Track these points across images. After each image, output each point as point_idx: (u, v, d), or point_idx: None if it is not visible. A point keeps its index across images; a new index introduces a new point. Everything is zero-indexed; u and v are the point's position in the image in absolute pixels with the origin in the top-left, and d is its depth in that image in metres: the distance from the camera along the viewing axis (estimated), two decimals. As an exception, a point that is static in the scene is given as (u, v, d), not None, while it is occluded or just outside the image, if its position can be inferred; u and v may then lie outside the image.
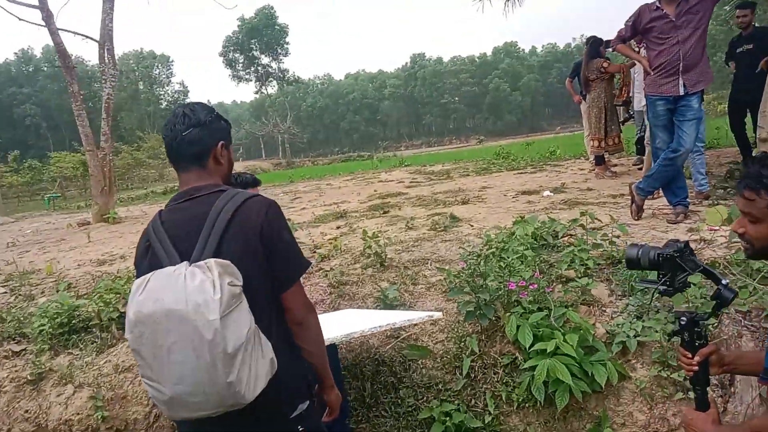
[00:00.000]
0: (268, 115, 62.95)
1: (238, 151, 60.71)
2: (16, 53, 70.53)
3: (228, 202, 1.55)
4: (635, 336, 2.84)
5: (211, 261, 1.42)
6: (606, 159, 7.92)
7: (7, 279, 5.78)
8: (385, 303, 3.63)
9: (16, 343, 3.64)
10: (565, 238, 4.10)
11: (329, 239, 5.51)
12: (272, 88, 65.62)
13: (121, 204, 17.76)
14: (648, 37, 4.30)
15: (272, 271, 1.58)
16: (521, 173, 9.57)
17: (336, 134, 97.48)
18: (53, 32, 10.36)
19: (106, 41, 11.00)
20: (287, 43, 61.17)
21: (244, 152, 62.23)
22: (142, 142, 42.70)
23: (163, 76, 74.53)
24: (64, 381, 3.15)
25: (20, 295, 4.95)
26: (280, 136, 59.77)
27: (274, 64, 61.58)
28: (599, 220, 4.08)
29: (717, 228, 3.83)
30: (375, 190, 9.80)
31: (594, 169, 7.90)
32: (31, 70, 69.70)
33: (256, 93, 65.78)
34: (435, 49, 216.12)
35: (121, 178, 33.39)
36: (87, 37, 11.22)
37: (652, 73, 4.27)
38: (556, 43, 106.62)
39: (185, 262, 1.45)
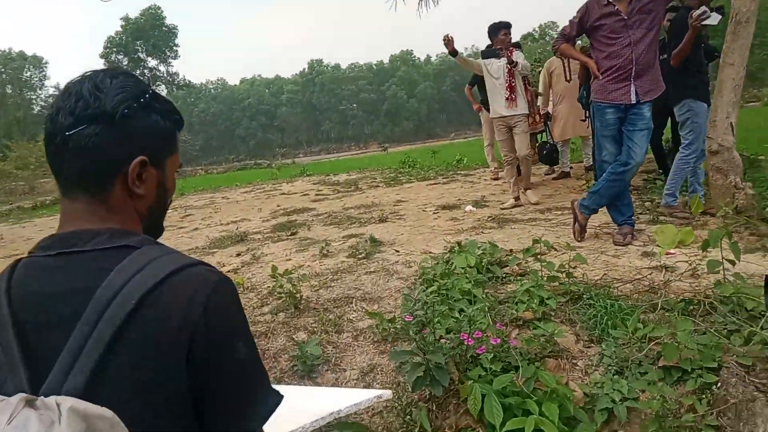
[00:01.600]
0: (157, 121, 58.85)
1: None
2: None
3: (134, 275, 0.77)
4: (622, 400, 2.31)
5: (68, 404, 0.67)
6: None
7: None
8: (305, 364, 2.87)
9: None
10: (513, 267, 3.56)
11: (227, 272, 4.63)
12: (161, 93, 61.73)
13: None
14: (596, 36, 3.87)
15: (203, 426, 0.81)
16: (433, 184, 9.13)
17: (231, 141, 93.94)
18: None
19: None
20: (176, 45, 57.86)
21: (131, 161, 57.49)
22: (9, 151, 38.15)
23: (36, 79, 67.68)
24: None
25: None
26: (171, 143, 56.32)
27: (162, 67, 58.00)
28: (555, 249, 3.58)
29: (674, 252, 3.45)
30: (278, 205, 8.94)
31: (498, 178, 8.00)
32: None
33: (143, 97, 61.57)
34: (333, 56, 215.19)
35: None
36: None
37: (601, 78, 3.84)
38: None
39: (19, 396, 0.68)
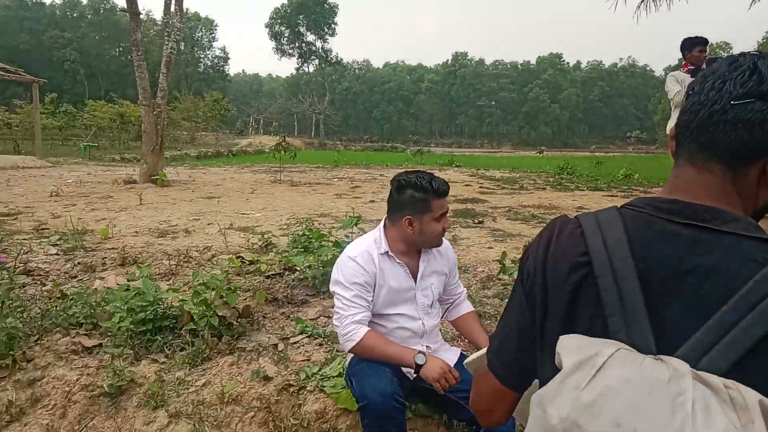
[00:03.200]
0: (305, 93, 62.17)
1: (272, 124, 60.19)
2: (62, -3, 70.61)
3: None
4: None
5: (751, 396, 0.63)
6: None
7: (60, 237, 5.10)
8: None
9: (86, 335, 2.94)
10: None
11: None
12: (312, 67, 64.93)
13: (159, 163, 17.18)
14: None
15: None
16: (610, 196, 8.72)
17: (368, 122, 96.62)
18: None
19: (175, -9, 10.31)
20: (335, 24, 60.36)
21: (277, 127, 61.52)
22: (177, 102, 42.27)
23: (205, 39, 74.10)
24: (153, 403, 2.42)
25: (78, 263, 4.25)
26: (315, 116, 59.14)
27: (318, 43, 60.85)
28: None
29: None
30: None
31: None
32: (75, 15, 69.68)
33: (297, 69, 65.18)
34: (478, 50, 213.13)
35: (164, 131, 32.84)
36: (157, -16, 10.50)
37: None
38: (601, 61, 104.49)
39: (686, 369, 0.66)
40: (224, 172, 14.10)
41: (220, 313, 2.93)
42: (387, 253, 2.13)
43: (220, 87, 66.00)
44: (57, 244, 4.92)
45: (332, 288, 2.14)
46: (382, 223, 2.20)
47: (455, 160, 18.39)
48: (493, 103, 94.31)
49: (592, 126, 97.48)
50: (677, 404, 0.62)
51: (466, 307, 2.44)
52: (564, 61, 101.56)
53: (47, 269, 4.15)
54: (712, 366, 0.69)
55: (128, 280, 3.59)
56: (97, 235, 5.31)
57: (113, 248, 4.81)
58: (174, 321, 2.99)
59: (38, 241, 5.07)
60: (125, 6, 9.97)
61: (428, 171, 2.17)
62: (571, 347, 0.72)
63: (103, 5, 66.78)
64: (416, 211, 2.07)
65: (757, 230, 0.78)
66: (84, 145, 21.95)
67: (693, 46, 5.69)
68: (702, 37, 5.75)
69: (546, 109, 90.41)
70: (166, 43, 10.41)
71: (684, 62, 5.86)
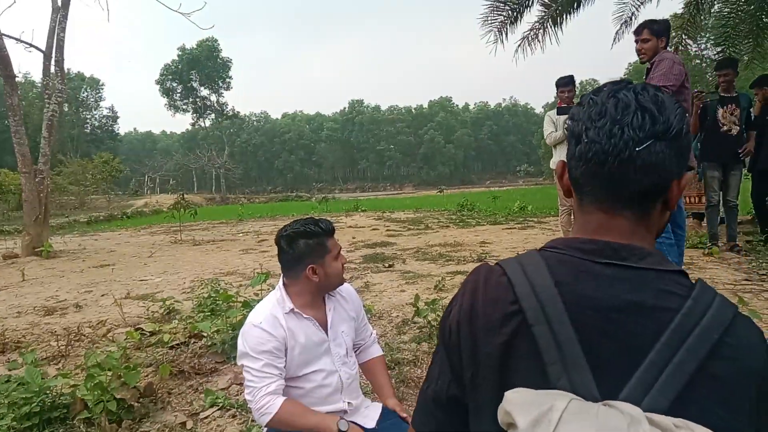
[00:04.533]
0: (202, 148, 60.68)
1: (169, 182, 57.86)
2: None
3: (707, 309, 0.76)
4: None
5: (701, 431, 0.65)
6: None
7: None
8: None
9: (-42, 440, 2.55)
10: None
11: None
12: (209, 121, 63.75)
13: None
14: None
15: None
16: (508, 228, 9.14)
17: (270, 172, 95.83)
18: (-6, 36, 9.04)
19: (55, 51, 9.79)
20: (230, 78, 60.00)
21: (175, 184, 59.17)
22: (63, 166, 39.63)
23: (92, 99, 70.70)
24: None
25: (-52, 355, 3.75)
26: (215, 170, 57.70)
27: (213, 97, 60.03)
28: None
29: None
30: (353, 237, 9.03)
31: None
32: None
33: (193, 125, 63.67)
34: (373, 97, 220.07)
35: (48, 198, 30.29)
36: (32, 46, 9.92)
37: None
38: (487, 102, 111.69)
39: (640, 414, 0.66)
40: (118, 236, 13.27)
41: (119, 396, 2.68)
42: (293, 310, 2.06)
43: (110, 147, 62.78)
44: None
45: (240, 361, 2.01)
46: (281, 282, 2.13)
47: (360, 204, 18.58)
48: (392, 146, 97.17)
49: (485, 163, 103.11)
50: None
51: (375, 350, 2.38)
52: (453, 103, 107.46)
53: None
54: (654, 405, 0.69)
55: (9, 369, 3.21)
56: (-30, 320, 4.74)
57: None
58: (65, 411, 2.69)
59: None
60: (-4, 69, 9.29)
61: (311, 217, 2.11)
62: (521, 403, 0.69)
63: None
64: (316, 256, 2.01)
65: (668, 263, 0.81)
66: (-48, 220, 19.76)
67: (560, 85, 6.11)
68: (568, 77, 6.16)
69: (442, 150, 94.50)
70: (47, 106, 9.79)
71: (558, 100, 6.32)
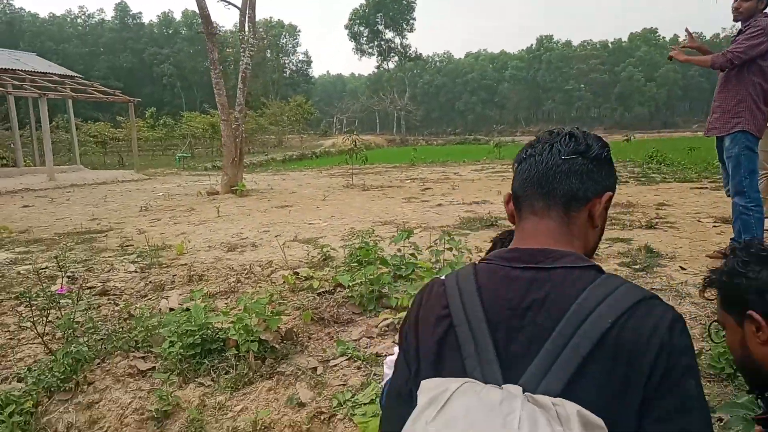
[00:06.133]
0: (386, 90, 62.66)
1: (354, 123, 61.27)
2: (158, 16, 76.16)
3: (606, 298, 0.86)
4: None
5: (571, 408, 0.77)
6: None
7: (139, 255, 5.49)
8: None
9: (142, 358, 3.15)
10: None
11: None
12: (392, 63, 65.30)
13: (245, 170, 18.00)
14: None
15: None
16: (699, 188, 8.05)
17: (451, 114, 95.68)
18: (199, -4, 10.19)
19: (247, 8, 10.71)
20: (413, 19, 60.33)
21: (359, 125, 62.57)
22: (265, 108, 44.11)
23: (290, 45, 76.68)
24: (192, 429, 2.56)
25: (150, 282, 4.55)
26: (396, 112, 59.46)
27: (397, 39, 61.10)
28: None
29: None
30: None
31: None
32: (170, 32, 74.78)
33: (377, 67, 65.83)
34: (565, 32, 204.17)
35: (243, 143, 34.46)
36: (230, 3, 10.99)
37: None
38: (702, 33, 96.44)
39: (518, 391, 0.80)
40: (303, 177, 14.54)
41: (263, 337, 3.03)
42: None
43: (305, 90, 68.13)
44: (136, 262, 5.30)
45: None
46: None
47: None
48: (582, 86, 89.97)
49: (694, 103, 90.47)
50: (507, 422, 0.74)
51: None
52: (659, 36, 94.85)
53: (123, 288, 4.48)
54: (549, 388, 0.80)
55: (190, 299, 3.78)
56: (174, 250, 5.66)
57: (185, 264, 5.10)
58: (222, 344, 3.13)
59: (121, 258, 5.49)
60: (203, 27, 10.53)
61: None
62: (426, 388, 0.85)
63: (195, 20, 71.03)
64: None
65: (583, 261, 0.93)
66: (178, 156, 23.44)
67: None
68: None
69: (641, 89, 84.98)
70: (242, 59, 10.87)
71: None
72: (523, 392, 0.80)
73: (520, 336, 0.88)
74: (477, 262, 1.03)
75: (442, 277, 1.05)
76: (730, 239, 4.43)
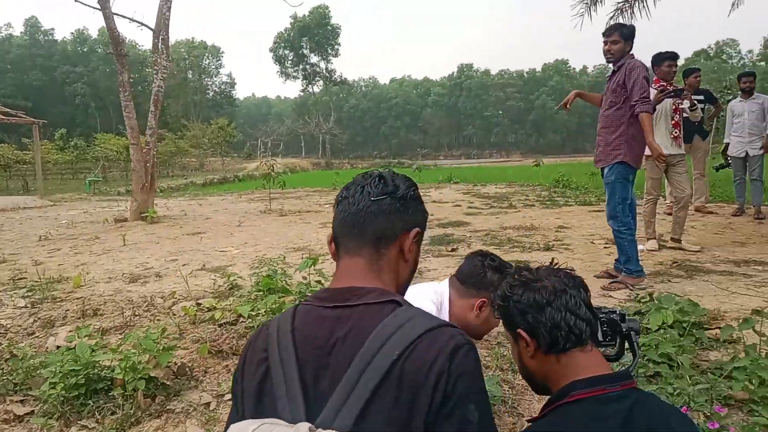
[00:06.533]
0: (311, 114, 62.70)
1: (279, 147, 60.67)
2: (72, 33, 72.54)
3: (397, 330, 0.91)
4: None
5: None
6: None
7: (30, 289, 5.16)
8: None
9: (20, 401, 2.95)
10: (714, 332, 3.20)
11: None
12: (317, 87, 65.57)
13: (161, 195, 17.32)
14: None
15: None
16: (597, 210, 8.60)
17: (375, 138, 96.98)
18: (108, 17, 9.87)
19: (161, 30, 10.48)
20: (338, 44, 61.02)
21: (284, 148, 62.05)
22: (186, 130, 42.91)
23: (212, 66, 75.29)
24: (72, 476, 2.43)
25: (39, 318, 4.29)
26: (321, 135, 59.54)
27: (322, 64, 61.52)
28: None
29: None
30: (431, 215, 8.96)
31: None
32: (85, 50, 71.38)
33: (302, 91, 65.89)
34: (483, 62, 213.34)
35: (162, 165, 33.23)
36: (142, 24, 10.72)
37: None
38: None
39: (305, 429, 0.83)
40: (221, 201, 14.22)
41: (153, 374, 2.93)
42: None
43: (228, 112, 66.93)
44: (27, 296, 4.98)
45: None
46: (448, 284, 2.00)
47: (455, 175, 18.37)
48: (500, 112, 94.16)
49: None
50: None
51: None
52: (570, 66, 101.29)
53: (8, 326, 4.19)
54: (342, 423, 0.84)
55: (69, 341, 3.60)
56: (71, 283, 5.36)
57: (80, 297, 4.85)
58: (109, 384, 2.99)
59: (11, 293, 5.14)
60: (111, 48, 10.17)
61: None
62: (232, 430, 0.88)
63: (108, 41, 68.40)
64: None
65: (385, 296, 0.97)
66: (89, 180, 22.26)
67: (661, 60, 5.68)
68: (671, 52, 5.72)
69: (553, 116, 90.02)
70: (155, 81, 10.57)
71: (654, 77, 5.81)
72: (317, 429, 0.83)
73: (328, 373, 0.91)
74: (299, 303, 1.07)
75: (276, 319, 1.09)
76: (615, 260, 4.79)
